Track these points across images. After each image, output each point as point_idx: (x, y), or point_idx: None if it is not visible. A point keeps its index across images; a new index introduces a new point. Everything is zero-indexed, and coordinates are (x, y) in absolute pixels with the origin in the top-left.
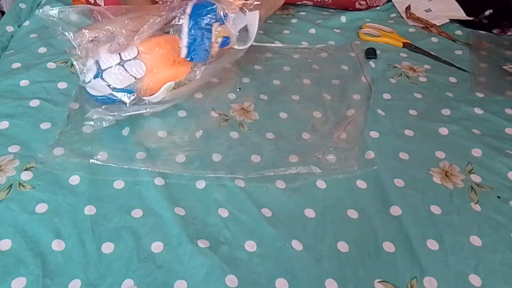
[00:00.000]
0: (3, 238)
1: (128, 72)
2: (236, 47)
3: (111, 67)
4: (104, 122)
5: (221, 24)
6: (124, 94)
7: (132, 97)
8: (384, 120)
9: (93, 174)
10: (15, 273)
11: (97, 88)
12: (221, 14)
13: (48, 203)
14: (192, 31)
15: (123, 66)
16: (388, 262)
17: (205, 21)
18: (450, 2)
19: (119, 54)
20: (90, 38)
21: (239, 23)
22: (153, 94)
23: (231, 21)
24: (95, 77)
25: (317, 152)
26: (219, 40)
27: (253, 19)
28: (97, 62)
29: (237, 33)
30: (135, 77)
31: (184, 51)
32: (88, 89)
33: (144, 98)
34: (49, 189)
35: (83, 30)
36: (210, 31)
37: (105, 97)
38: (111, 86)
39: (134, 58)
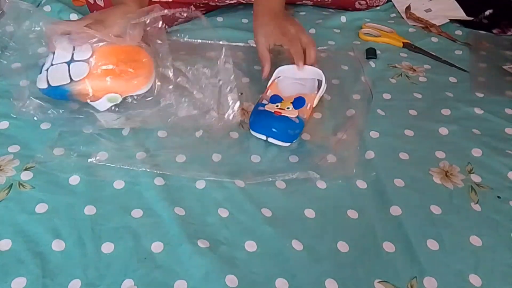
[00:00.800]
0: (3, 238)
1: (68, 72)
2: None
3: (58, 63)
4: (35, 117)
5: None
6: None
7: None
8: (384, 120)
9: (93, 174)
10: (15, 273)
11: (40, 80)
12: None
13: (48, 203)
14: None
15: (68, 65)
16: (388, 262)
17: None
18: (450, 2)
19: (73, 53)
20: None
21: (294, 81)
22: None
23: (279, 88)
24: (46, 70)
25: (317, 154)
26: (288, 108)
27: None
28: (52, 56)
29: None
30: (71, 79)
31: (281, 143)
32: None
33: (89, 102)
34: (49, 189)
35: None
36: (262, 113)
37: (47, 90)
38: (48, 82)
39: (83, 60)
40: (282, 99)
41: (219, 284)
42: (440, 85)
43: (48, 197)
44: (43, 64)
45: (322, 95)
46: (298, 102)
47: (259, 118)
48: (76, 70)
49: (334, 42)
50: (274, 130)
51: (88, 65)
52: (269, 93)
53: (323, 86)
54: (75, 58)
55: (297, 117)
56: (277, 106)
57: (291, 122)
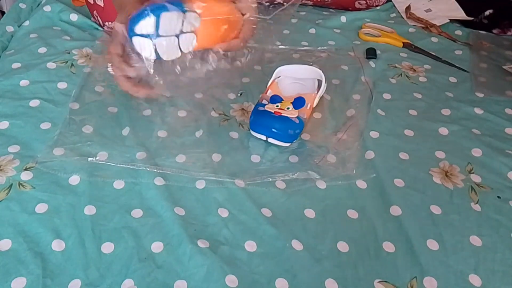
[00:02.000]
0: (3, 238)
1: (179, 46)
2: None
3: (167, 36)
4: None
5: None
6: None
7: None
8: (384, 120)
9: (93, 174)
10: (15, 273)
11: (141, 44)
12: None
13: (48, 203)
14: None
15: (178, 37)
16: (388, 262)
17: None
18: (450, 2)
19: (182, 23)
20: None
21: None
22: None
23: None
24: (146, 36)
25: (317, 154)
26: (288, 108)
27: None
28: (157, 24)
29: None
30: (181, 51)
31: (281, 143)
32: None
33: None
34: (49, 189)
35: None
36: (263, 113)
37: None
38: (156, 53)
39: (190, 32)
40: (282, 99)
41: (220, 284)
42: (440, 85)
43: (48, 197)
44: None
45: (322, 95)
46: (298, 102)
47: (259, 118)
48: (186, 43)
49: (334, 42)
50: (274, 130)
51: (196, 36)
52: (269, 93)
53: (323, 86)
54: (184, 30)
55: (297, 117)
56: (277, 106)
57: (291, 122)
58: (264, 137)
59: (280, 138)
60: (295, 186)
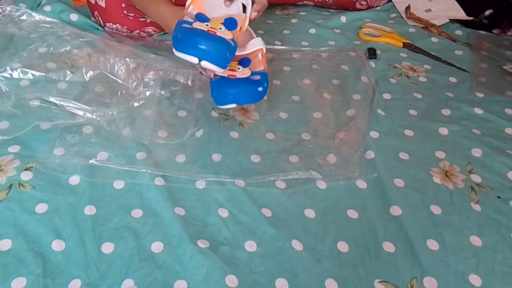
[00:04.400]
0: (3, 238)
1: None
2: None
3: None
4: None
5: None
6: None
7: None
8: (384, 120)
9: (93, 174)
10: (16, 273)
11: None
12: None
13: (48, 203)
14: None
15: None
16: (388, 262)
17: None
18: (450, 2)
19: None
20: None
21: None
22: None
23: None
24: None
25: (318, 154)
26: (221, 28)
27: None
28: None
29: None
30: None
31: (215, 67)
32: None
33: None
34: (49, 189)
35: None
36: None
37: None
38: None
39: None
40: (209, 19)
41: (220, 284)
42: (440, 85)
43: (48, 197)
44: None
45: (323, 95)
46: (230, 23)
47: (190, 37)
48: None
49: (334, 42)
50: (210, 51)
51: None
52: (192, 9)
53: (248, 10)
54: None
55: (232, 39)
56: (207, 25)
57: (227, 44)
58: (195, 60)
59: (216, 61)
60: (296, 186)
